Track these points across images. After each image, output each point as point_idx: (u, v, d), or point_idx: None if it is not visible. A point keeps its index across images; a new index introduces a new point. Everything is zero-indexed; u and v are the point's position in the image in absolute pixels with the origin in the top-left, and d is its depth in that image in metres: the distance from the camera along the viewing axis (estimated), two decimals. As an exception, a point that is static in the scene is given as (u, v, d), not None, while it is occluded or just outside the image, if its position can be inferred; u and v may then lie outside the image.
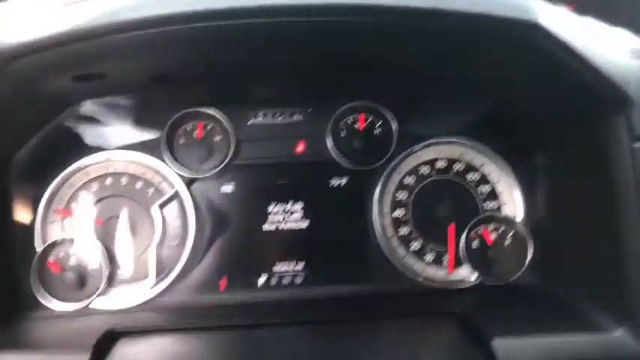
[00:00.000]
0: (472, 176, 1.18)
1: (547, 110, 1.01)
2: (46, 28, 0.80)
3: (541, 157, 1.12)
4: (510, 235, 1.14)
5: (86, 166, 1.15)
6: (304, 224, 1.17)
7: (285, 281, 1.16)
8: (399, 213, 1.17)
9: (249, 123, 1.18)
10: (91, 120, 1.12)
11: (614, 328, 0.91)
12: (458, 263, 1.14)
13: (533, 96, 1.00)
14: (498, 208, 1.17)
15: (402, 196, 1.18)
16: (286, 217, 1.17)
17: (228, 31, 0.80)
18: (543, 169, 1.12)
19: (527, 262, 1.11)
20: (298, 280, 1.16)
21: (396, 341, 0.93)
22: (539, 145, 1.12)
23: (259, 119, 1.18)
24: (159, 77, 0.98)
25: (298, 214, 1.17)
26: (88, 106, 1.06)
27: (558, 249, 1.08)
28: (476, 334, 0.92)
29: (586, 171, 0.99)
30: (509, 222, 1.14)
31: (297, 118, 1.19)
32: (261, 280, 1.15)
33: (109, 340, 0.95)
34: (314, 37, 0.88)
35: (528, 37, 0.80)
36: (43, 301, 1.08)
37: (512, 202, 1.16)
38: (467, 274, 1.14)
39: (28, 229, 1.11)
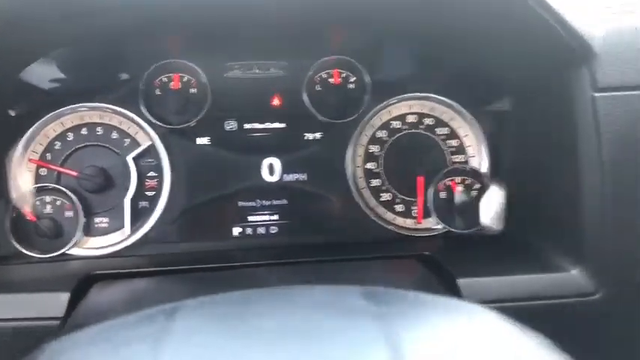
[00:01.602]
0: (441, 130, 1.22)
1: (514, 64, 1.06)
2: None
3: (507, 111, 1.17)
4: (477, 186, 1.20)
5: (61, 117, 1.15)
6: (280, 176, 1.20)
7: (261, 231, 1.19)
8: (371, 165, 1.22)
9: (225, 75, 1.19)
10: (67, 68, 1.12)
11: (570, 269, 0.98)
12: (427, 213, 1.20)
13: (500, 50, 1.04)
14: (466, 161, 1.22)
15: (374, 149, 1.22)
16: (262, 169, 1.20)
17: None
18: (509, 122, 1.17)
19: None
20: (273, 230, 1.19)
21: (365, 278, 0.97)
22: (506, 99, 1.17)
23: (235, 72, 1.20)
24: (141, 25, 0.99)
25: (274, 167, 1.20)
26: (64, 54, 1.06)
27: (522, 198, 1.14)
28: (443, 274, 0.97)
29: (549, 122, 1.04)
30: (475, 174, 1.19)
31: (273, 72, 1.21)
32: (237, 229, 1.19)
33: (87, 283, 0.97)
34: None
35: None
36: (19, 249, 1.09)
37: (480, 155, 1.21)
38: (435, 223, 1.20)
39: (4, 179, 1.12)
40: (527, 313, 0.95)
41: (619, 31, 0.95)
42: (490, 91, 1.19)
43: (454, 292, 0.93)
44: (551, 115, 1.02)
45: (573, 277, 0.97)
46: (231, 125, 1.20)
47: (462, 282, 0.95)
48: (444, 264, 0.99)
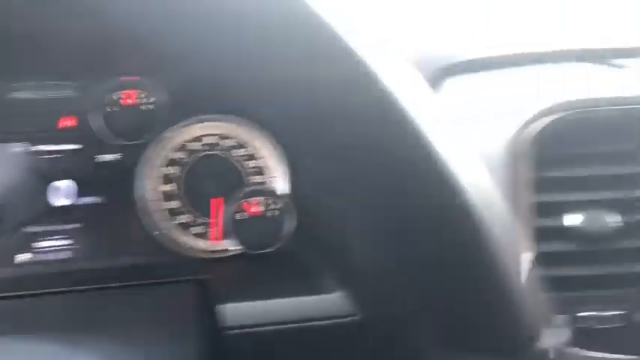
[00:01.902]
0: (241, 151, 1.22)
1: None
2: None
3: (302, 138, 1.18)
4: (273, 207, 1.20)
5: None
6: (72, 201, 1.16)
7: (50, 257, 1.14)
8: (168, 187, 1.20)
9: (10, 96, 1.15)
10: None
11: (335, 291, 1.00)
12: (223, 235, 1.19)
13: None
14: (265, 183, 1.22)
15: (171, 170, 1.20)
16: (53, 193, 1.16)
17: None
18: (303, 147, 1.19)
19: (287, 232, 1.18)
20: (64, 255, 1.15)
21: (127, 308, 0.96)
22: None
23: (23, 93, 1.15)
24: None
25: (66, 190, 1.16)
26: None
27: (312, 220, 1.16)
28: (207, 299, 0.97)
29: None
30: (273, 195, 1.20)
31: (65, 92, 1.17)
32: (22, 256, 1.14)
33: None
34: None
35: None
36: None
37: (279, 177, 1.22)
38: (231, 245, 1.19)
39: None
40: (292, 335, 0.98)
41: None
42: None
43: (213, 318, 0.93)
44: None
45: (336, 298, 0.99)
46: (17, 147, 1.15)
47: (223, 307, 0.95)
48: (212, 289, 0.99)
